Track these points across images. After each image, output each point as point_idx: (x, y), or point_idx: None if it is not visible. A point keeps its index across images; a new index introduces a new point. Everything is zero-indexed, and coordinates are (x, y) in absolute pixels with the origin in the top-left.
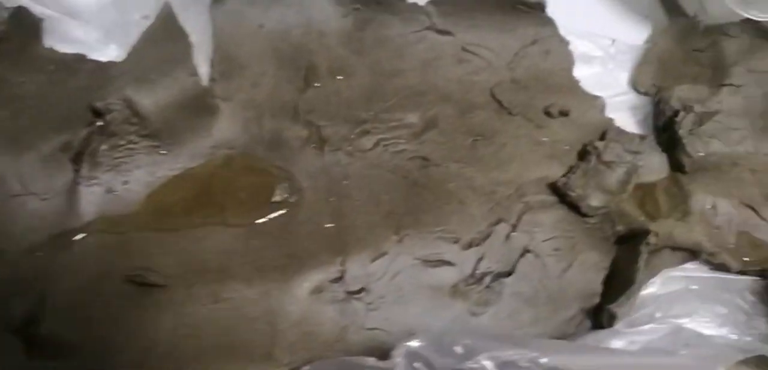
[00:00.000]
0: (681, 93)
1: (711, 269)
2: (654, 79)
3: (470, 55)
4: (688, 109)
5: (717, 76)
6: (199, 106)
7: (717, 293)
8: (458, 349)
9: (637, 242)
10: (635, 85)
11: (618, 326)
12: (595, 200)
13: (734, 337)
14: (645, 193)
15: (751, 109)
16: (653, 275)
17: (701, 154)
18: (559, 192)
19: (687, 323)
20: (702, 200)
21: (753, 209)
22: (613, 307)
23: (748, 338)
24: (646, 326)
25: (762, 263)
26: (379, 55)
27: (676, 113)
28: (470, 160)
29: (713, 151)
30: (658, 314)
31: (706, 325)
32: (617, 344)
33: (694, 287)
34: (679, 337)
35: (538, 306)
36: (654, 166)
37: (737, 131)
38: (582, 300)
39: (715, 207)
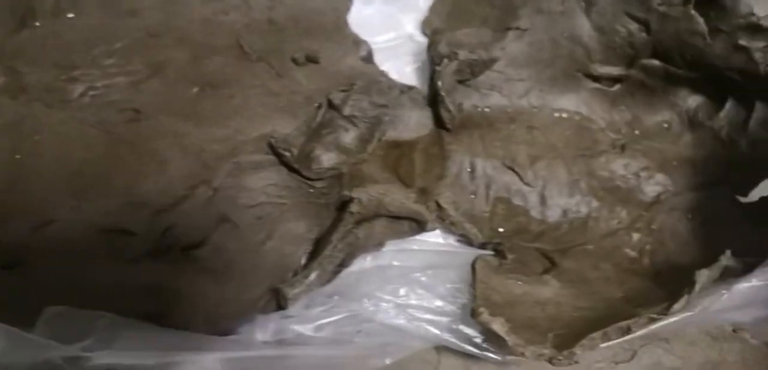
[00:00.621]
0: (453, 38)
1: (458, 240)
2: (443, 21)
3: None
4: (452, 56)
5: (505, 18)
6: None
7: (435, 271)
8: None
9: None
10: (423, 28)
11: (294, 309)
12: (326, 161)
13: (413, 325)
14: (402, 153)
15: (536, 56)
16: (365, 247)
17: (471, 107)
18: (275, 151)
19: (368, 306)
20: (460, 161)
21: (516, 172)
22: (285, 287)
23: (433, 330)
24: (318, 309)
25: (518, 234)
26: None
27: (440, 61)
28: (189, 114)
29: (490, 105)
30: (336, 297)
31: (388, 310)
32: (295, 329)
33: (396, 263)
34: (355, 322)
35: (227, 283)
36: (412, 122)
37: (521, 82)
38: (274, 277)
39: (473, 170)
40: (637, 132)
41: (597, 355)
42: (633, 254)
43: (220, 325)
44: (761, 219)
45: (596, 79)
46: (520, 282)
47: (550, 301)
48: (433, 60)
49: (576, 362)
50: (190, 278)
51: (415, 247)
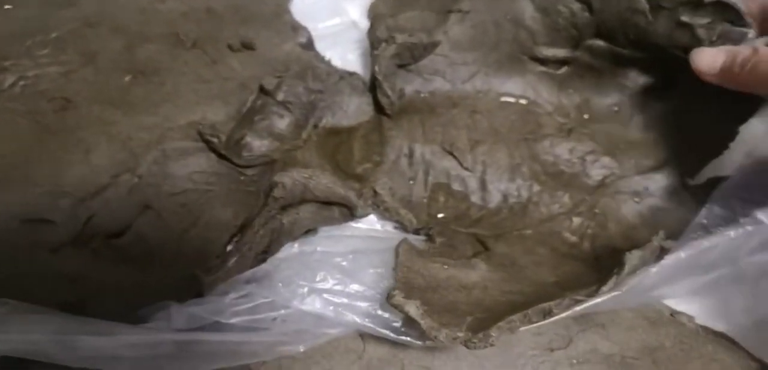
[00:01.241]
0: (394, 22)
1: (394, 227)
2: (388, 6)
3: None
4: (390, 40)
5: (447, 1)
6: None
7: (358, 256)
8: None
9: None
10: (369, 13)
11: (212, 296)
12: (257, 148)
13: (329, 311)
14: (340, 140)
15: (480, 40)
16: (291, 233)
17: (413, 92)
18: (204, 138)
19: (284, 292)
20: (399, 147)
21: (455, 156)
22: (200, 272)
23: (351, 316)
24: (234, 295)
25: (457, 219)
26: None
27: (379, 45)
28: (118, 102)
29: (433, 89)
30: (253, 284)
31: (304, 296)
32: (211, 316)
33: (320, 248)
34: (271, 308)
35: (148, 271)
36: (351, 108)
37: (465, 67)
38: (196, 265)
39: (411, 155)
40: (586, 116)
41: (531, 343)
42: (573, 238)
43: (138, 313)
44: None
45: (542, 62)
46: (446, 266)
47: (476, 285)
48: (372, 45)
49: (491, 345)
50: (111, 267)
51: (348, 233)
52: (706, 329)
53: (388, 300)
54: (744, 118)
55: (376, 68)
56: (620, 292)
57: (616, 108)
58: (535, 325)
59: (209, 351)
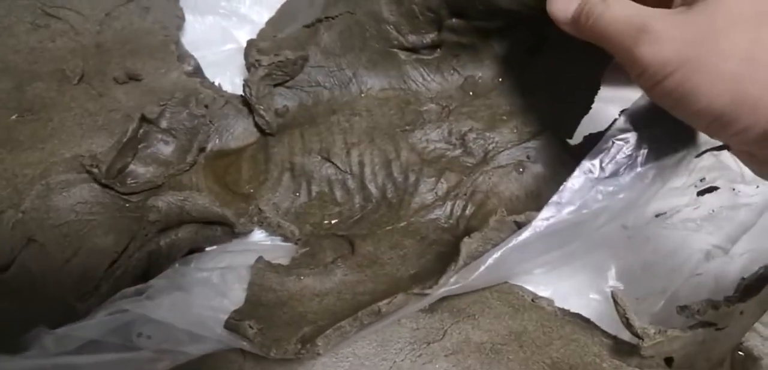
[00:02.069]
0: (267, 45)
1: (282, 240)
2: (272, 29)
3: (51, 19)
4: (257, 64)
5: (317, 12)
6: None
7: (226, 272)
8: None
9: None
10: (250, 40)
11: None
12: (142, 175)
13: (194, 326)
14: (229, 162)
15: (349, 44)
16: (170, 255)
17: (297, 107)
18: (87, 169)
19: (150, 306)
20: (281, 162)
21: (332, 162)
22: (74, 300)
23: (216, 330)
24: (104, 314)
25: (342, 222)
26: None
27: (250, 69)
28: (4, 141)
29: (316, 101)
30: (123, 301)
31: (168, 310)
32: (85, 335)
33: (194, 265)
34: (138, 324)
35: (30, 303)
36: (238, 131)
37: (342, 72)
38: (75, 293)
39: (293, 169)
40: (470, 94)
41: (410, 337)
42: (448, 223)
43: (19, 344)
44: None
45: (414, 50)
46: (302, 277)
47: (331, 291)
48: (248, 69)
49: (318, 354)
50: None
51: (240, 248)
52: (563, 311)
53: (224, 325)
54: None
55: (247, 92)
56: (456, 284)
57: (499, 78)
58: (374, 325)
59: None
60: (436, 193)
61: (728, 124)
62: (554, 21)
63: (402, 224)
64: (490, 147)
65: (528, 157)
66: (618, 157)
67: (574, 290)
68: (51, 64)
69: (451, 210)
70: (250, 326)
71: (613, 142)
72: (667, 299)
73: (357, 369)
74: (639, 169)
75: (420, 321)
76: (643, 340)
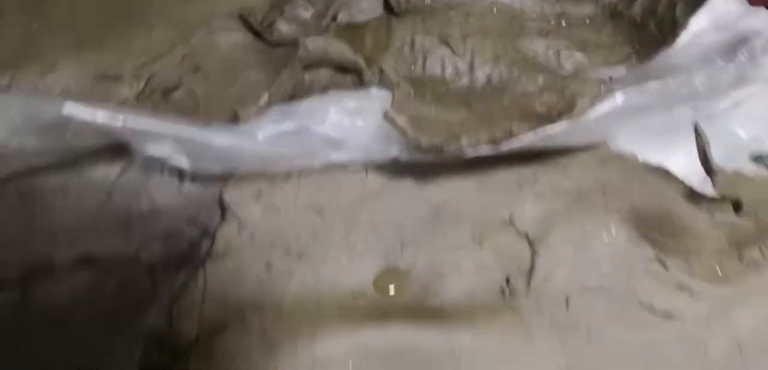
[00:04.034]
0: None
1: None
2: None
3: None
4: None
5: None
6: None
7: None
8: None
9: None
10: None
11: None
12: (285, 31)
13: (341, 137)
14: (354, 34)
15: None
16: (311, 89)
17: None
18: (245, 21)
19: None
20: (402, 37)
21: (449, 45)
22: (241, 108)
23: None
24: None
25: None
26: None
27: None
28: None
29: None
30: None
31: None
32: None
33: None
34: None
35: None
36: (364, 5)
37: None
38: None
39: (413, 44)
40: (563, 24)
41: (504, 179)
42: (542, 110)
43: None
44: None
45: None
46: (433, 109)
47: (457, 123)
48: None
49: (461, 152)
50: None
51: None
52: (646, 164)
53: (384, 116)
54: None
55: None
56: (571, 125)
57: (589, 19)
58: (504, 149)
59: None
60: (534, 86)
61: None
62: None
63: (506, 103)
64: (579, 64)
65: (611, 78)
66: None
67: (655, 147)
68: None
69: (546, 100)
70: (406, 120)
71: None
72: None
73: (455, 198)
74: None
75: (513, 169)
76: (716, 174)
